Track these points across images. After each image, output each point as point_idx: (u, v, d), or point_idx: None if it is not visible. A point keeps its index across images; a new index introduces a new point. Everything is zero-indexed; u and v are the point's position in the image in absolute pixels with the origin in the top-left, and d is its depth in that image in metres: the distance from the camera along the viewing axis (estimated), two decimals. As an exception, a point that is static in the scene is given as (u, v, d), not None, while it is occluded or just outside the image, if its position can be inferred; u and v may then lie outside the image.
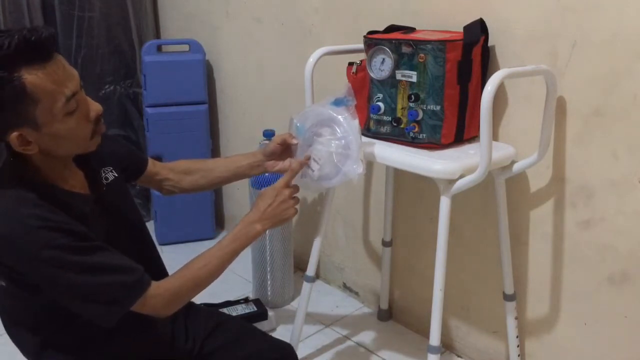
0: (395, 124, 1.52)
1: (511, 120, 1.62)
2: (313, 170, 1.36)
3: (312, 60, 1.60)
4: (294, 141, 1.42)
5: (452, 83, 1.46)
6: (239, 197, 2.73)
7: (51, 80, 1.00)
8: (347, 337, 2.06)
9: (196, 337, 1.35)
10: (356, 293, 2.30)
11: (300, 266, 2.34)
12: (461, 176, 1.37)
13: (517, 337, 1.72)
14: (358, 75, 1.60)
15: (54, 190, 1.09)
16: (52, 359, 1.16)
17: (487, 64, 1.57)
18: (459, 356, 1.96)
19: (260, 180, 2.08)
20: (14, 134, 1.02)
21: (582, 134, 1.49)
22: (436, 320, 1.43)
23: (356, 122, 1.35)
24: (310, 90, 1.62)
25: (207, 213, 2.75)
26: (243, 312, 2.06)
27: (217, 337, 1.36)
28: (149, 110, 2.57)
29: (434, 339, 1.44)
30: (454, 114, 1.49)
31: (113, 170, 1.27)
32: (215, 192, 2.80)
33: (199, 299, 1.28)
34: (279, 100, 2.37)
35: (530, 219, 1.66)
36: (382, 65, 1.51)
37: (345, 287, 2.34)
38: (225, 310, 2.02)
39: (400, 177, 1.95)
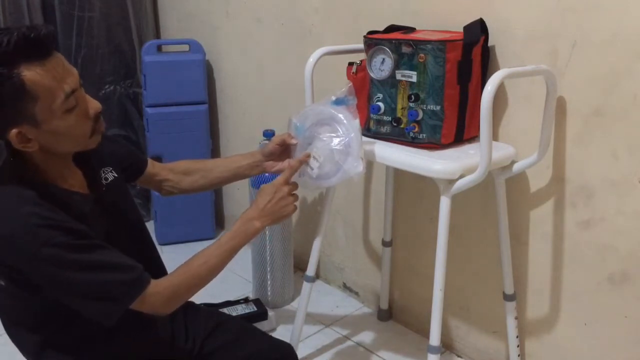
0: (395, 124, 1.52)
1: (511, 120, 1.62)
2: (312, 169, 1.36)
3: (312, 60, 1.60)
4: (293, 141, 1.42)
5: (452, 83, 1.46)
6: (239, 197, 2.73)
7: (50, 77, 1.00)
8: (347, 337, 2.06)
9: (196, 337, 1.35)
10: (356, 293, 2.29)
11: (300, 266, 2.33)
12: (461, 176, 1.37)
13: (517, 337, 1.72)
14: (358, 75, 1.60)
15: (54, 189, 1.09)
16: (52, 359, 1.16)
17: (487, 64, 1.57)
18: (459, 356, 1.96)
19: (260, 180, 2.08)
20: (14, 131, 1.02)
21: (582, 134, 1.48)
22: (436, 320, 1.43)
23: (357, 121, 1.36)
24: (310, 90, 1.63)
25: (207, 213, 2.75)
26: (243, 312, 2.06)
27: (217, 337, 1.36)
28: (149, 110, 2.57)
29: (434, 339, 1.44)
30: (454, 114, 1.49)
31: (113, 171, 1.26)
32: (215, 192, 2.80)
33: (199, 299, 1.28)
34: (279, 100, 2.37)
35: (530, 219, 1.66)
36: (382, 65, 1.51)
37: (345, 287, 2.34)
38: (225, 310, 2.01)
39: (400, 177, 1.95)
